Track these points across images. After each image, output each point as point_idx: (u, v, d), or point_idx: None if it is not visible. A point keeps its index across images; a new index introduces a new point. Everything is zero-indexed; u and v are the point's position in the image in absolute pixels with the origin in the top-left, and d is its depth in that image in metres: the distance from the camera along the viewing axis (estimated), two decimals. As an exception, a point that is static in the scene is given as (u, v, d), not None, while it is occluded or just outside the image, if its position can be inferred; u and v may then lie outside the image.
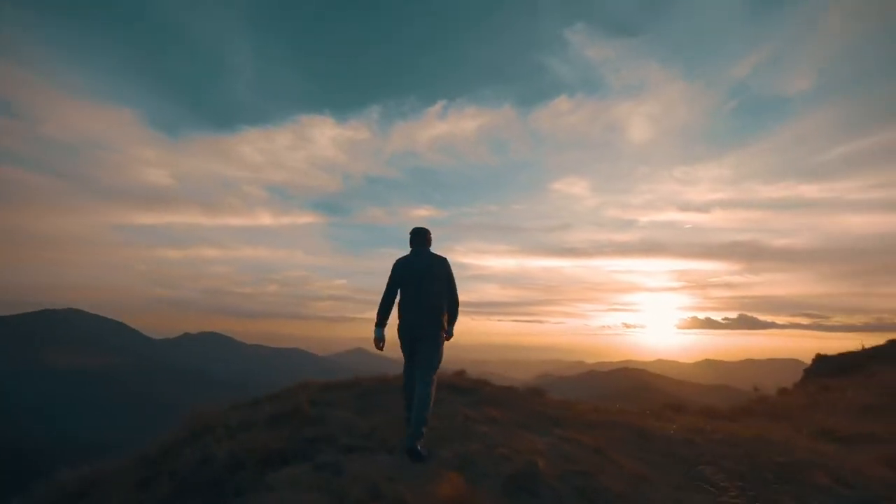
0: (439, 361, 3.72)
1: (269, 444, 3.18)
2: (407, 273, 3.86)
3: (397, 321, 3.81)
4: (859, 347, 11.87)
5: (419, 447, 3.32)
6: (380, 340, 3.76)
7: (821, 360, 12.38)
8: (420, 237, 4.06)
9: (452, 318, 3.93)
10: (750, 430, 4.84)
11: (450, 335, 3.91)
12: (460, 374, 6.31)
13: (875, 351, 11.51)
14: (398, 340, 3.78)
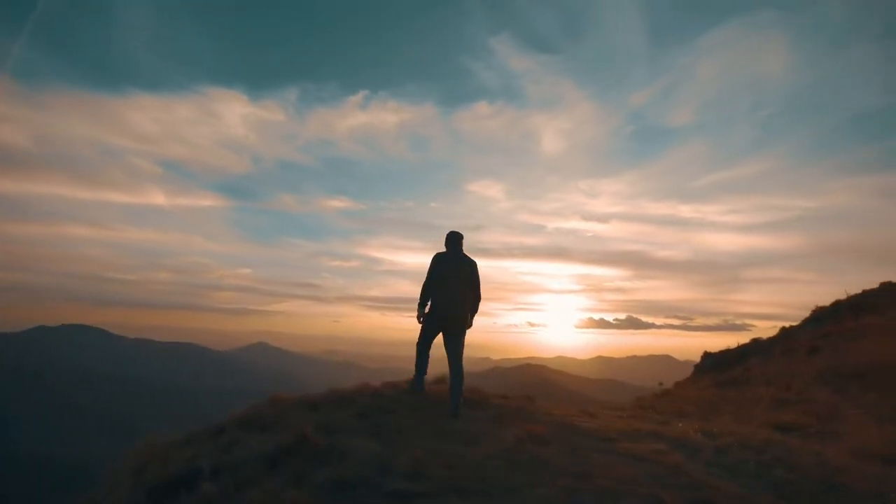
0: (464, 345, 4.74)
1: (294, 500, 2.22)
2: (445, 270, 4.70)
3: (428, 309, 4.74)
4: (734, 345, 13.97)
5: (459, 410, 4.37)
6: (421, 316, 4.81)
7: (707, 356, 14.37)
8: (457, 240, 4.90)
9: (474, 311, 4.86)
10: (748, 431, 4.77)
11: (470, 325, 4.81)
12: (441, 381, 5.45)
13: (745, 348, 13.60)
14: (428, 324, 4.75)
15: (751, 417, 5.88)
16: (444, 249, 4.91)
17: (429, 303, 4.78)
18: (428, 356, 4.92)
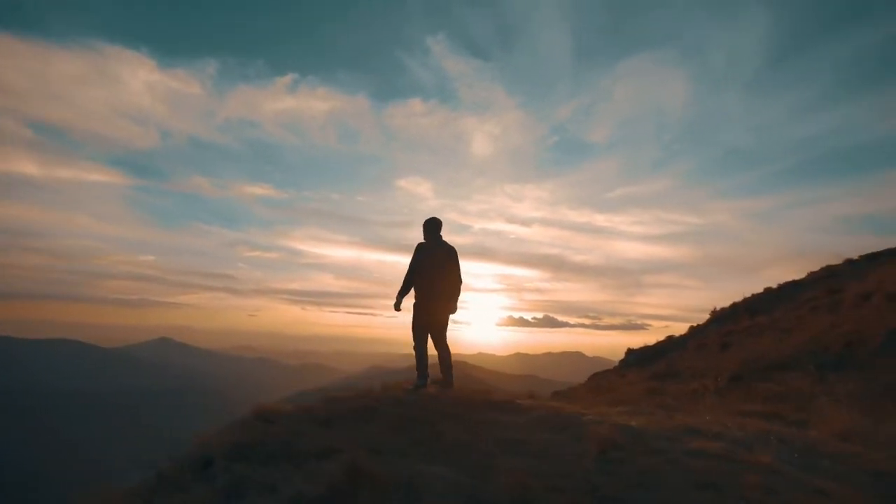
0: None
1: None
2: (428, 258, 4.79)
3: (415, 302, 4.85)
4: (638, 342, 15.57)
5: (452, 380, 4.86)
6: (399, 305, 4.88)
7: (631, 352, 15.84)
8: (436, 227, 4.90)
9: (457, 295, 4.91)
10: (750, 422, 4.50)
11: (454, 309, 4.90)
12: (438, 381, 5.07)
13: (662, 345, 15.21)
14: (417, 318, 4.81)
15: (719, 407, 5.47)
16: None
17: (412, 295, 4.87)
18: (427, 353, 4.90)
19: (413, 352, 4.92)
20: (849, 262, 14.30)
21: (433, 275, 4.76)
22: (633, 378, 11.14)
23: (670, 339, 15.15)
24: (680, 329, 14.76)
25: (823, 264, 14.90)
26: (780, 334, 10.11)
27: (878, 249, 14.01)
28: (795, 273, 14.50)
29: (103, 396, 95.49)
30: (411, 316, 4.90)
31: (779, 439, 3.79)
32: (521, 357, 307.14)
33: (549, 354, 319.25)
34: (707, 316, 15.96)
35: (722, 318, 15.04)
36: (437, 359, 5.10)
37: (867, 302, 9.51)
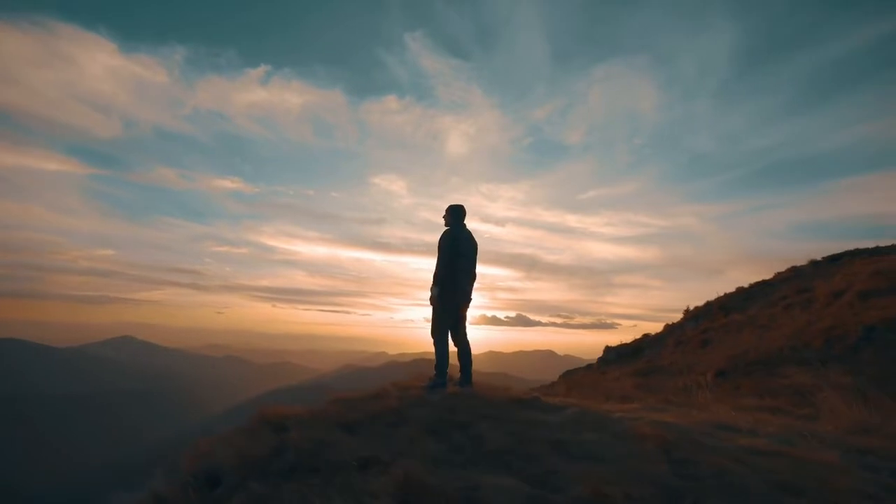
0: None
1: None
2: (467, 246, 4.55)
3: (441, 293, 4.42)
4: (610, 341, 15.92)
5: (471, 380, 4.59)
6: (438, 298, 4.44)
7: (609, 350, 16.08)
8: (464, 214, 4.71)
9: None
10: (771, 418, 4.40)
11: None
12: (455, 380, 4.81)
13: (640, 342, 15.51)
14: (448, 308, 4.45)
15: (716, 403, 5.13)
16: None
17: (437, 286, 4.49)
18: (449, 349, 4.57)
19: (433, 349, 4.62)
20: (813, 262, 14.91)
21: (472, 262, 4.61)
22: (616, 375, 11.19)
23: (647, 336, 15.39)
24: (649, 328, 15.25)
25: (779, 267, 15.47)
26: (758, 331, 10.34)
27: (838, 252, 14.75)
28: (754, 275, 15.12)
29: (60, 398, 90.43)
30: (435, 307, 4.49)
31: (810, 434, 3.60)
32: (493, 355, 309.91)
33: (521, 352, 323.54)
34: (674, 315, 16.28)
35: (697, 316, 15.40)
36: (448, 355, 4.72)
37: (839, 300, 9.83)
